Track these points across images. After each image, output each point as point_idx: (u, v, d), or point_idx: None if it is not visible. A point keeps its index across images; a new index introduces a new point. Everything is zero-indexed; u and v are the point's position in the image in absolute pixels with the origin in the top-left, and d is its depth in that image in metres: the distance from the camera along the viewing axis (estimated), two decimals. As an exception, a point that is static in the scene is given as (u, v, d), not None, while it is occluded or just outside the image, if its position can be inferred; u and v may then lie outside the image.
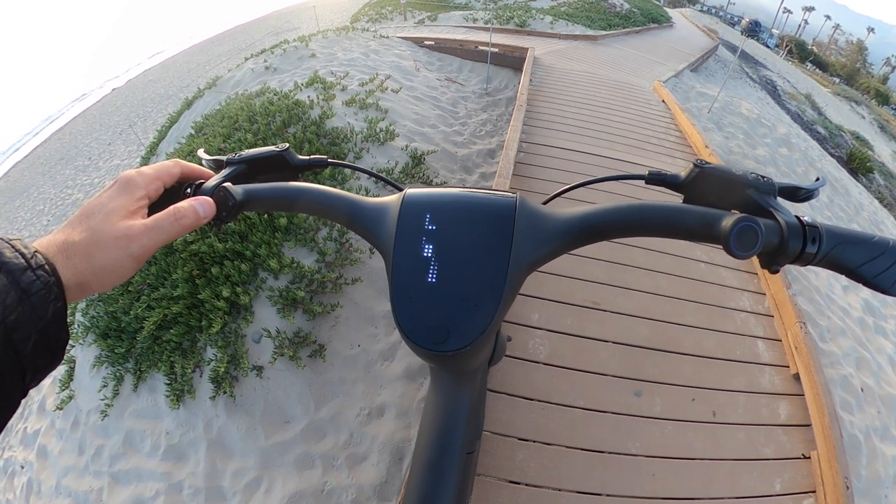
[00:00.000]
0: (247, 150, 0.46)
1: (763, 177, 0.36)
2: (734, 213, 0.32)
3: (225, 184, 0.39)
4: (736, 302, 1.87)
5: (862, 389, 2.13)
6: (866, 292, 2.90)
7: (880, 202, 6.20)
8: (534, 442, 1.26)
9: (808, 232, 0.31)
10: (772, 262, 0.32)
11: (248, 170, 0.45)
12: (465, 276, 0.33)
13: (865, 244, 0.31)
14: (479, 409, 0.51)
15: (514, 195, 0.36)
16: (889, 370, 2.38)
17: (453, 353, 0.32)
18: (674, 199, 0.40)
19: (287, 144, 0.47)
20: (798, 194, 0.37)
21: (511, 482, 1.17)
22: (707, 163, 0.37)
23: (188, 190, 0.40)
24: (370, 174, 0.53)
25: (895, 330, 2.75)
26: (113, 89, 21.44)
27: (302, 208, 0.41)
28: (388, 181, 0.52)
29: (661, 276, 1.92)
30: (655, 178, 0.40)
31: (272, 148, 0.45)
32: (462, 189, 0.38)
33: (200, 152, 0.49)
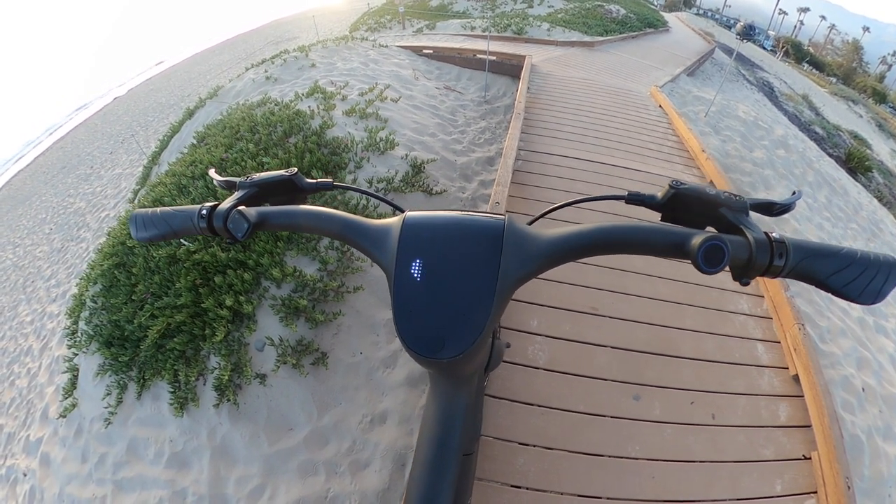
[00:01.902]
0: (258, 174, 0.49)
1: (735, 195, 0.38)
2: (704, 232, 0.35)
3: (239, 206, 0.43)
4: (734, 305, 1.89)
5: (863, 389, 2.13)
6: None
7: (879, 201, 6.21)
8: (534, 446, 1.27)
9: (775, 247, 0.34)
10: (742, 275, 0.35)
11: (260, 192, 0.48)
12: (458, 291, 0.36)
13: (833, 256, 0.33)
14: (477, 412, 0.53)
15: (503, 217, 0.39)
16: (890, 369, 2.37)
17: (448, 361, 0.35)
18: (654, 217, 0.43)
19: (296, 169, 0.51)
20: (773, 209, 0.40)
21: (512, 486, 1.18)
22: (682, 183, 0.40)
23: (203, 213, 0.43)
24: (372, 195, 0.57)
25: (896, 329, 2.76)
26: (114, 98, 21.64)
27: (310, 229, 0.45)
28: (389, 203, 0.56)
29: (659, 281, 1.93)
30: (634, 199, 0.44)
31: (282, 172, 0.49)
32: (456, 212, 0.41)
33: (212, 172, 0.52)
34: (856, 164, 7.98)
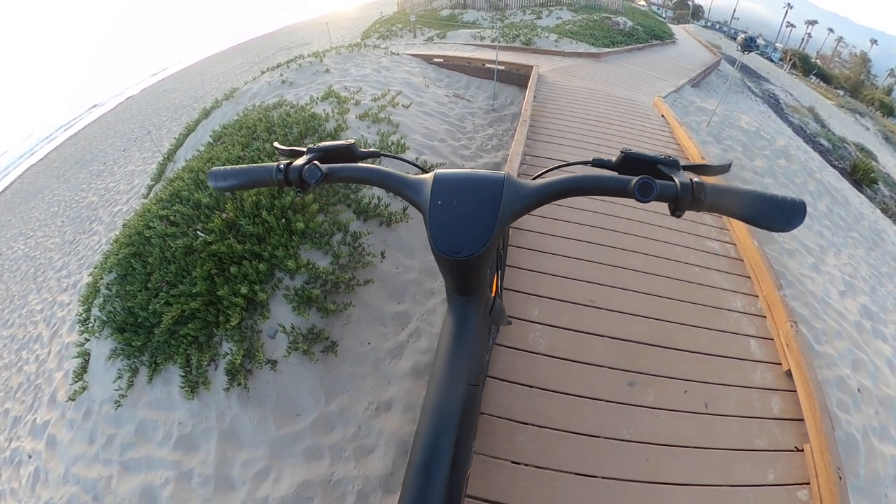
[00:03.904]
0: (323, 143, 0.64)
1: (669, 157, 0.52)
2: (641, 176, 0.48)
3: (314, 162, 0.57)
4: (729, 303, 1.95)
5: (859, 390, 2.16)
6: (864, 298, 2.94)
7: (884, 213, 6.21)
8: (533, 425, 1.34)
9: (695, 187, 0.46)
10: (675, 209, 0.49)
11: (324, 156, 0.62)
12: (472, 218, 0.52)
13: (742, 195, 0.46)
14: (482, 348, 0.65)
15: (504, 174, 0.55)
16: (887, 372, 2.39)
17: (465, 259, 0.51)
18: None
19: (353, 140, 0.65)
20: (708, 170, 0.52)
21: (512, 462, 1.24)
22: (631, 150, 0.55)
23: (280, 167, 0.56)
24: (409, 163, 0.74)
25: (895, 334, 2.77)
26: (128, 97, 22.05)
27: (366, 182, 0.60)
28: (421, 168, 0.70)
29: (656, 279, 2.00)
30: (598, 163, 0.58)
31: (342, 142, 0.64)
32: (471, 170, 0.55)
33: (276, 144, 0.66)
34: (861, 175, 7.99)
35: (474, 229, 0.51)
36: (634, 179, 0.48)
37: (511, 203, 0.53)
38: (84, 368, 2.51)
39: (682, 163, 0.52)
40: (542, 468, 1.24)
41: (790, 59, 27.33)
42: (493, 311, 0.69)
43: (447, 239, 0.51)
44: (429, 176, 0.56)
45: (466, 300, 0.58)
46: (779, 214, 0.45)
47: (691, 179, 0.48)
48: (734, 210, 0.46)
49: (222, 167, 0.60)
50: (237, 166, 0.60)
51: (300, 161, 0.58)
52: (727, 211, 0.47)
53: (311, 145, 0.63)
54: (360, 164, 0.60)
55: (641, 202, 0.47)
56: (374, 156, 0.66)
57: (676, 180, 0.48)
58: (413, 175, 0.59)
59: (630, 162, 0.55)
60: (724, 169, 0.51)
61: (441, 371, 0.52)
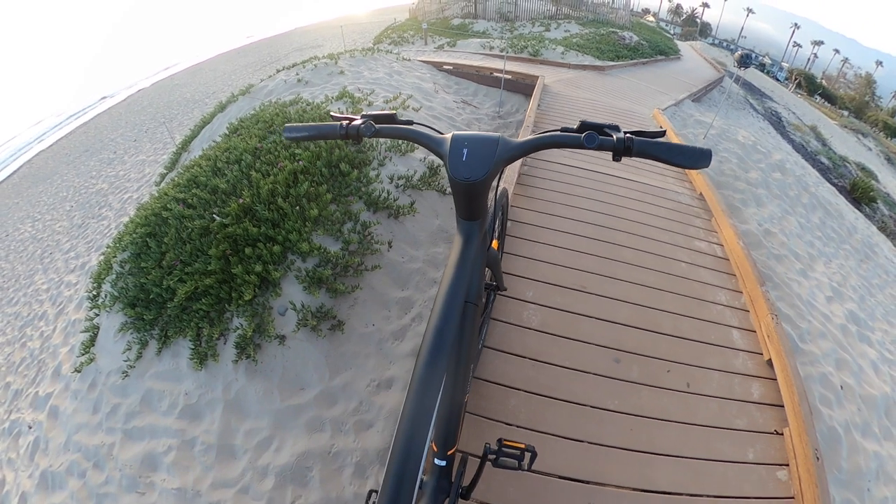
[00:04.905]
0: (372, 112, 0.86)
1: (614, 125, 0.71)
2: (590, 132, 0.68)
3: (369, 120, 0.81)
4: (713, 296, 2.05)
5: (841, 387, 2.23)
6: (851, 304, 3.03)
7: (882, 231, 6.31)
8: (524, 391, 1.44)
9: (626, 140, 0.66)
10: (615, 155, 0.68)
11: (375, 120, 0.85)
12: (477, 159, 0.76)
13: (662, 145, 0.65)
14: (481, 271, 0.83)
15: (499, 134, 0.79)
16: (871, 373, 2.46)
17: (472, 182, 0.75)
18: None
19: (395, 111, 0.89)
20: (643, 134, 0.70)
21: (504, 423, 1.34)
22: (587, 120, 0.73)
23: (343, 124, 0.78)
24: (432, 129, 0.92)
25: (881, 340, 2.85)
26: (139, 90, 22.34)
27: (405, 138, 0.84)
28: (439, 132, 0.89)
29: (645, 271, 2.12)
30: (565, 129, 0.77)
31: (386, 111, 0.88)
32: (478, 132, 0.75)
33: (333, 112, 0.88)
34: (860, 194, 8.10)
35: (478, 164, 0.75)
36: (584, 134, 0.69)
37: (503, 152, 0.77)
38: (92, 341, 2.55)
39: (624, 128, 0.71)
40: (532, 430, 1.34)
41: (795, 79, 27.68)
42: (490, 250, 0.87)
43: (460, 170, 0.75)
44: (448, 135, 0.82)
45: (471, 224, 0.80)
46: (688, 157, 0.64)
47: (626, 135, 0.68)
48: (656, 155, 0.65)
49: (296, 123, 0.84)
50: (308, 123, 0.83)
51: (357, 121, 0.82)
52: (651, 156, 0.66)
53: (363, 113, 0.86)
54: (400, 126, 0.85)
55: (588, 148, 0.68)
56: (410, 123, 0.90)
57: (614, 136, 0.69)
58: (437, 135, 0.85)
59: (586, 127, 0.75)
60: (657, 134, 0.69)
61: (445, 287, 0.67)
